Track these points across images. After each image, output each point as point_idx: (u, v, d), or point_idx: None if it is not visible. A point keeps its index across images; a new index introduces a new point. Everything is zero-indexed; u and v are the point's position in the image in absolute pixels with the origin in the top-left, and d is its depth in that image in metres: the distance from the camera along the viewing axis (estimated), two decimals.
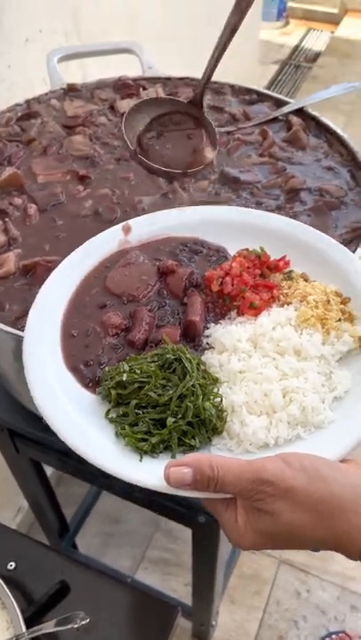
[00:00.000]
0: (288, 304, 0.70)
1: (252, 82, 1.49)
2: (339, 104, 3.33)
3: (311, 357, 0.64)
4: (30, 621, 0.81)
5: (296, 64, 4.14)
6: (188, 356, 0.62)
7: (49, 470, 1.43)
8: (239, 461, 0.51)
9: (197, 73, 1.24)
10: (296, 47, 4.35)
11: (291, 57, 4.22)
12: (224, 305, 0.73)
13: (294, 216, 0.89)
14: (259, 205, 0.93)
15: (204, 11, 2.24)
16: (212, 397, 0.61)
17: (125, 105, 1.17)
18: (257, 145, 1.08)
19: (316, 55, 4.22)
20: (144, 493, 1.01)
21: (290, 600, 1.63)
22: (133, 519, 1.79)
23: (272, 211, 0.90)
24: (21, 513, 1.74)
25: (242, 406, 0.61)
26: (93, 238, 0.80)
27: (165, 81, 1.25)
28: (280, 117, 1.14)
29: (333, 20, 4.57)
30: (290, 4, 4.58)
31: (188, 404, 0.58)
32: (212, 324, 0.71)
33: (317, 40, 4.44)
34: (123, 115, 0.98)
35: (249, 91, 1.22)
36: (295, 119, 1.12)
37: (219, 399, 0.61)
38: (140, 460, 0.57)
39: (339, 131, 1.08)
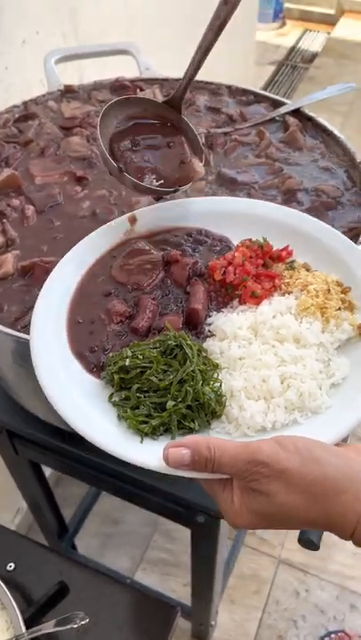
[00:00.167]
0: (289, 293, 0.72)
1: (249, 83, 1.49)
2: (335, 105, 3.34)
3: (310, 345, 0.65)
4: (30, 622, 0.81)
5: (293, 65, 4.15)
6: (189, 342, 0.64)
7: (47, 471, 1.44)
8: (236, 443, 0.53)
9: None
10: (293, 48, 4.36)
11: (287, 58, 4.23)
12: (226, 294, 0.74)
13: None
14: None
15: (201, 12, 2.25)
16: (211, 382, 0.62)
17: None
18: (254, 146, 1.09)
19: (313, 56, 4.23)
20: (143, 492, 1.01)
21: (289, 600, 1.64)
22: (132, 520, 1.80)
23: None
24: (20, 514, 1.74)
25: (241, 391, 0.62)
26: (100, 228, 0.81)
27: (163, 82, 1.25)
28: (277, 118, 1.15)
29: (330, 21, 4.59)
30: (286, 5, 4.59)
31: (188, 388, 0.60)
32: (215, 313, 0.72)
33: (314, 41, 4.45)
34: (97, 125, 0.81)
35: (246, 92, 1.23)
36: (292, 120, 1.13)
37: (218, 384, 0.63)
38: (141, 442, 0.59)
39: (335, 131, 1.09)
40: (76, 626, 0.77)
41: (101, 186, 0.99)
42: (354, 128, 3.26)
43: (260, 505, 0.51)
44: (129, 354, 0.63)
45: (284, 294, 0.72)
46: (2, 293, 0.82)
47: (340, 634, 1.54)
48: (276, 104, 1.18)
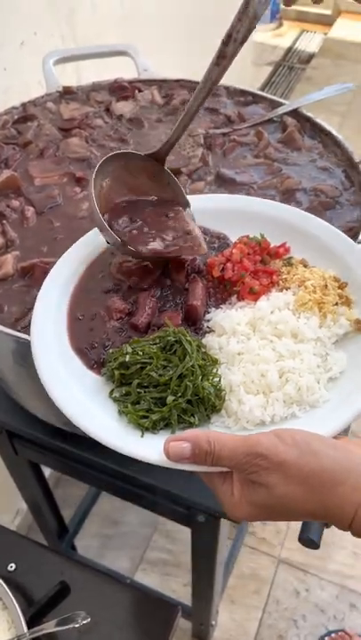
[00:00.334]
0: (287, 289, 0.72)
1: (247, 83, 1.49)
2: (333, 105, 3.35)
3: (308, 340, 0.66)
4: (31, 622, 0.81)
5: (290, 65, 4.15)
6: (189, 338, 0.64)
7: (47, 472, 1.44)
8: (235, 436, 0.53)
9: (193, 75, 1.25)
10: (290, 49, 4.37)
11: (284, 58, 4.24)
12: (225, 290, 0.75)
13: None
14: None
15: (199, 13, 2.25)
16: (210, 377, 0.63)
17: (121, 107, 1.18)
18: (252, 146, 1.09)
19: (310, 56, 4.24)
20: (143, 492, 1.01)
21: (289, 599, 1.64)
22: (132, 521, 1.80)
23: None
24: (20, 515, 1.74)
25: (240, 386, 0.63)
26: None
27: (161, 83, 1.26)
28: (275, 119, 1.15)
29: (327, 22, 4.60)
30: (283, 6, 4.59)
31: (188, 383, 0.61)
32: (213, 309, 0.73)
33: (311, 41, 4.46)
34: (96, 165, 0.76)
35: (244, 92, 1.23)
36: (290, 120, 1.13)
37: (217, 379, 0.63)
38: (142, 437, 0.60)
39: (333, 131, 1.09)
40: (77, 625, 0.78)
41: None
42: (352, 128, 3.26)
43: (260, 497, 0.52)
44: (129, 350, 0.64)
45: (281, 290, 0.73)
46: (2, 294, 0.82)
47: (340, 633, 1.54)
48: (274, 104, 1.18)
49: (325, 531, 0.80)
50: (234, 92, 1.23)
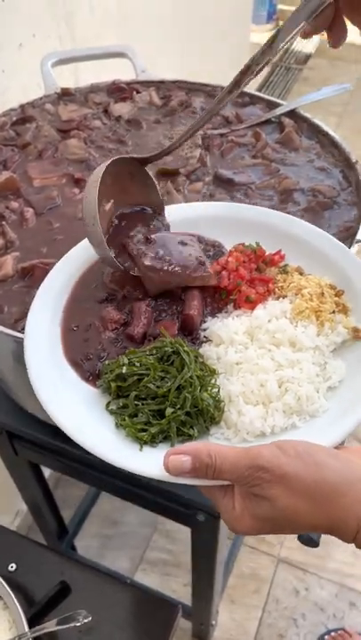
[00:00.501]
0: (283, 297, 0.72)
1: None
2: (330, 105, 3.36)
3: (306, 348, 0.65)
4: (32, 622, 0.81)
5: (287, 66, 4.16)
6: (186, 348, 0.63)
7: (47, 472, 1.44)
8: (236, 449, 0.52)
9: (190, 76, 1.26)
10: (286, 49, 4.37)
11: (281, 59, 4.24)
12: (221, 299, 0.74)
13: None
14: None
15: (197, 15, 2.26)
16: (209, 388, 0.62)
17: (119, 108, 1.19)
18: (250, 147, 1.10)
19: (307, 57, 4.25)
20: (143, 492, 1.02)
21: (289, 598, 1.64)
22: (131, 521, 1.80)
23: None
24: (20, 516, 1.74)
25: (239, 396, 0.62)
26: None
27: (159, 84, 1.26)
28: (272, 119, 1.16)
29: None
30: (280, 7, 4.60)
31: (187, 394, 0.60)
32: (210, 318, 0.72)
33: (307, 42, 4.46)
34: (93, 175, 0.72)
35: (241, 93, 1.23)
36: (287, 121, 1.13)
37: (216, 390, 0.63)
38: (141, 450, 0.59)
39: (331, 132, 1.10)
40: (78, 624, 0.78)
41: None
42: (349, 128, 3.27)
43: (262, 510, 0.51)
44: (125, 361, 0.63)
45: (278, 298, 0.72)
46: (2, 295, 0.82)
47: (339, 631, 1.54)
48: (272, 105, 1.19)
49: None
50: None
